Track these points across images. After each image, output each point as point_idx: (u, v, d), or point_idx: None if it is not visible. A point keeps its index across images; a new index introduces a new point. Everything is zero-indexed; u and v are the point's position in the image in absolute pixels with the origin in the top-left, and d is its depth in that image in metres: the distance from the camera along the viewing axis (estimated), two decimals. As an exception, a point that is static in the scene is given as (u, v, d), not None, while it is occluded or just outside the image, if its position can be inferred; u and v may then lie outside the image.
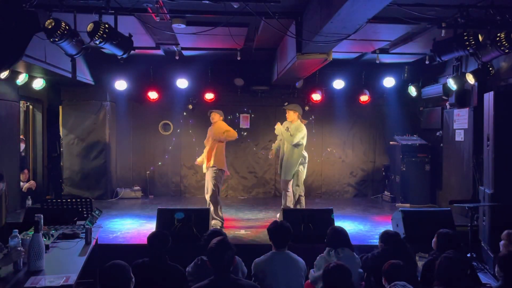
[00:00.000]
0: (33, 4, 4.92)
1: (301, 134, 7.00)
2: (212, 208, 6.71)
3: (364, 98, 9.61)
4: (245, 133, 10.00)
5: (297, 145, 7.00)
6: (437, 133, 8.92)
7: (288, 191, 7.08)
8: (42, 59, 6.39)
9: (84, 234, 4.27)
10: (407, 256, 4.22)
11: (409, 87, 9.32)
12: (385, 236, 4.40)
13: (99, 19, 5.08)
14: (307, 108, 9.87)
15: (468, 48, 5.31)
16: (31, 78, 7.71)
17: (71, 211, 5.09)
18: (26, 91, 7.95)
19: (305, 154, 7.14)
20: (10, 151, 7.43)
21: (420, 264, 4.53)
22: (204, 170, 7.06)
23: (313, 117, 10.01)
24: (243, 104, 9.96)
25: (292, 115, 7.16)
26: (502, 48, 5.26)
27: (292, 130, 7.04)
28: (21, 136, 8.33)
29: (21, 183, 8.03)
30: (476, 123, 7.23)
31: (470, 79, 6.78)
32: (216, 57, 9.04)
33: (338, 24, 4.63)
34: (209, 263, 3.13)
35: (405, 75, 9.41)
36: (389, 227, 6.03)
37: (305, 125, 7.21)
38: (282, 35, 6.68)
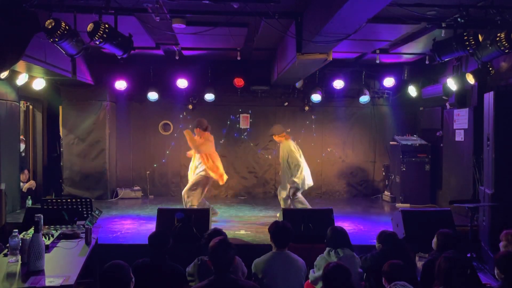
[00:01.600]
0: (33, 4, 4.92)
1: (289, 154, 7.06)
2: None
3: (364, 98, 9.60)
4: (245, 133, 10.00)
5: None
6: (437, 133, 8.92)
7: (297, 197, 7.07)
8: (42, 59, 6.39)
9: (84, 234, 4.27)
10: (405, 255, 4.22)
11: (409, 87, 9.32)
12: (383, 236, 4.40)
13: (99, 19, 5.08)
14: (307, 108, 9.88)
15: (468, 48, 5.30)
16: (31, 78, 7.71)
17: (71, 211, 5.09)
18: (26, 91, 7.95)
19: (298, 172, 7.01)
20: (10, 151, 7.43)
21: (420, 264, 4.53)
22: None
23: (313, 117, 10.01)
24: (243, 104, 9.96)
25: (278, 138, 7.26)
26: (502, 48, 5.25)
27: (284, 157, 7.11)
28: (21, 136, 8.34)
29: (21, 183, 8.03)
30: (476, 123, 7.23)
31: (470, 79, 6.77)
32: (216, 57, 9.04)
33: (338, 24, 4.63)
34: (210, 262, 3.13)
35: (405, 75, 9.40)
36: (389, 227, 6.02)
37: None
38: (282, 35, 6.68)
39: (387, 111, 10.07)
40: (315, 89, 9.51)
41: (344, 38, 5.13)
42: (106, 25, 4.98)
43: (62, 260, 3.69)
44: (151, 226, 6.40)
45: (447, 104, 8.38)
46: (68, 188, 9.25)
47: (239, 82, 9.36)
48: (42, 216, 3.56)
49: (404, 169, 8.89)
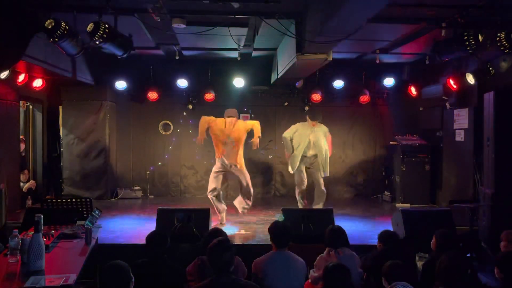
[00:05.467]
0: (33, 4, 4.93)
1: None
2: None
3: (364, 98, 9.60)
4: (245, 133, 9.98)
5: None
6: (437, 133, 8.92)
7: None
8: (42, 59, 6.39)
9: (84, 234, 4.27)
10: (406, 256, 4.22)
11: (409, 87, 9.32)
12: (384, 236, 4.41)
13: (99, 19, 5.08)
14: (307, 108, 9.87)
15: (468, 48, 5.31)
16: (31, 78, 7.72)
17: (71, 211, 5.09)
18: (26, 91, 7.95)
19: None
20: (10, 151, 7.43)
21: (420, 264, 4.53)
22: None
23: (313, 117, 10.01)
24: (243, 104, 9.95)
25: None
26: (502, 48, 5.26)
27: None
28: (21, 136, 8.33)
29: (21, 183, 8.03)
30: (476, 123, 7.23)
31: (470, 79, 6.78)
32: (216, 57, 9.04)
33: (338, 24, 4.63)
34: (209, 263, 3.13)
35: (405, 75, 9.41)
36: (389, 227, 6.02)
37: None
38: (282, 35, 6.68)
39: (387, 111, 10.07)
40: (315, 89, 9.51)
41: (344, 38, 5.13)
42: (106, 25, 4.99)
43: (62, 260, 3.70)
44: (151, 226, 6.38)
45: (447, 104, 8.38)
46: (68, 188, 9.24)
47: (239, 82, 9.36)
48: (42, 216, 3.56)
49: (404, 169, 8.89)
